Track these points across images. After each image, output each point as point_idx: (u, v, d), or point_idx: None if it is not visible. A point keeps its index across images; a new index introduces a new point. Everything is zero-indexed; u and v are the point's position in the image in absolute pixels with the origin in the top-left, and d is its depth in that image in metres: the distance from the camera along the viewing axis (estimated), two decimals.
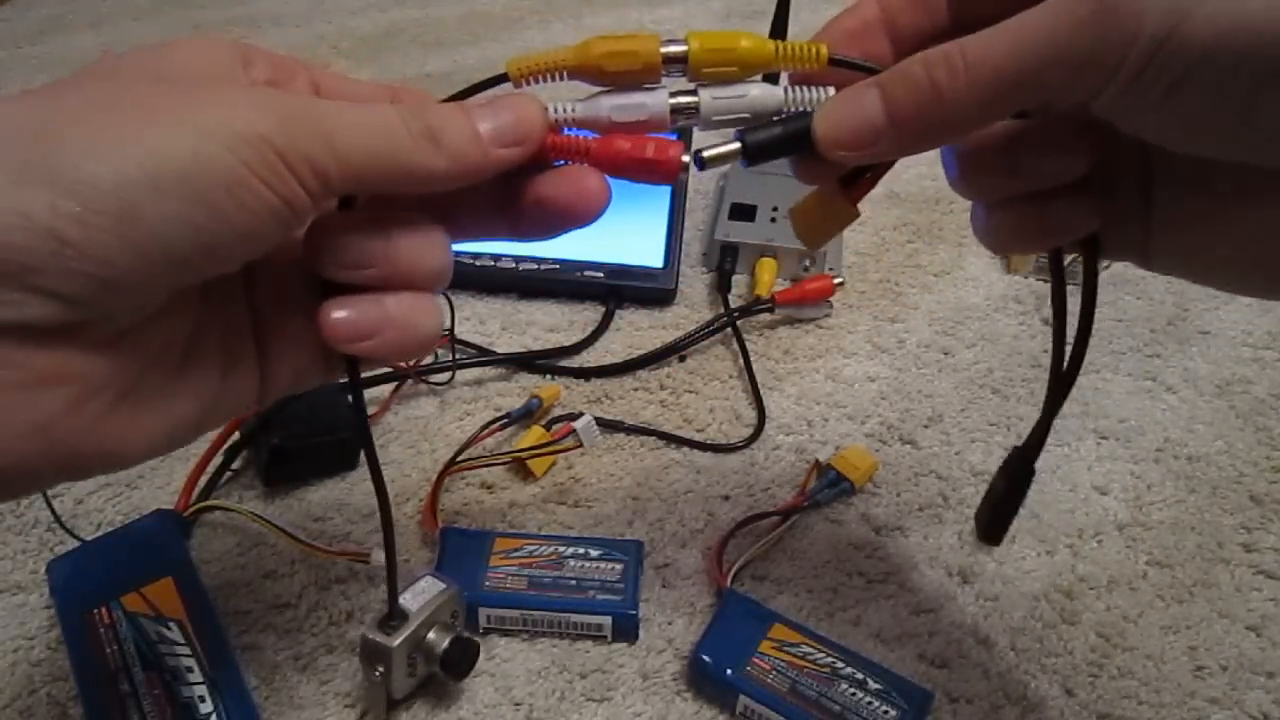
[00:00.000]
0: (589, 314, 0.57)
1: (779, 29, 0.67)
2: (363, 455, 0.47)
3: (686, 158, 0.26)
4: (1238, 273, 0.27)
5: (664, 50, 0.26)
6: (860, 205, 0.31)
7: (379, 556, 0.41)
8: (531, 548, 0.41)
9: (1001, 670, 0.39)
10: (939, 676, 0.39)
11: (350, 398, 0.28)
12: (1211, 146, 0.23)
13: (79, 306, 0.21)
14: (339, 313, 0.25)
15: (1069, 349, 0.31)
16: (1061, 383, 0.31)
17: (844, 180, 0.30)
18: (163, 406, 0.25)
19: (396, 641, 0.34)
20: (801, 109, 0.27)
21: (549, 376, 0.53)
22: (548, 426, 0.48)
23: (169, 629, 0.37)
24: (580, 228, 0.27)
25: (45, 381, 0.21)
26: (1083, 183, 0.27)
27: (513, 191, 0.27)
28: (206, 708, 0.35)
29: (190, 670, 0.36)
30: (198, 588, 0.39)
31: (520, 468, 0.47)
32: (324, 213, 0.25)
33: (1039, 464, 0.48)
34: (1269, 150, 0.22)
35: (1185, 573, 0.44)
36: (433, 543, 0.43)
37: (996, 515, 0.34)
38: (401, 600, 0.35)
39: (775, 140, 0.26)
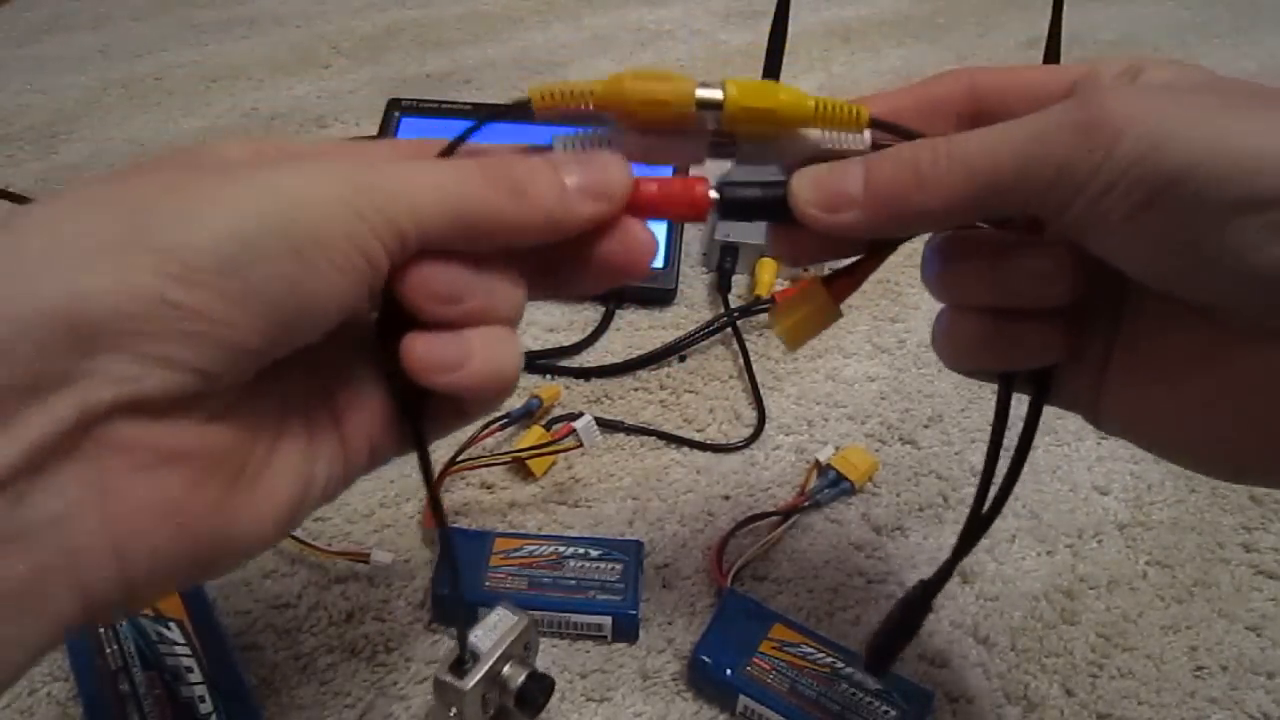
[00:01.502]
0: (589, 314, 0.57)
1: (778, 29, 0.67)
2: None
3: (714, 194, 0.25)
4: (1182, 443, 0.27)
5: (699, 95, 0.24)
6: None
7: (379, 556, 0.41)
8: (531, 548, 0.41)
9: (1001, 670, 0.39)
10: (939, 676, 0.39)
11: (418, 458, 0.27)
12: (1169, 277, 0.23)
13: (193, 374, 0.21)
14: (423, 343, 0.24)
15: (993, 489, 0.29)
16: (978, 525, 0.30)
17: (827, 279, 0.29)
18: (270, 484, 0.24)
19: (470, 684, 0.33)
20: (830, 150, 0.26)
21: (549, 376, 0.53)
22: (548, 426, 0.48)
23: (169, 629, 0.37)
24: (633, 282, 0.26)
25: (167, 460, 0.21)
26: (1057, 314, 0.26)
27: (559, 253, 0.25)
28: (206, 708, 0.35)
29: (190, 670, 0.36)
30: (198, 588, 0.39)
31: (520, 468, 0.47)
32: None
33: (1039, 464, 0.48)
34: (1229, 286, 0.22)
35: (1185, 573, 0.44)
36: (433, 542, 0.43)
37: (887, 646, 0.33)
38: (473, 637, 0.34)
39: (752, 200, 0.26)
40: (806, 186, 0.25)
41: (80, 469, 0.20)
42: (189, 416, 0.21)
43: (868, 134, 0.26)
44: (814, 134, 0.26)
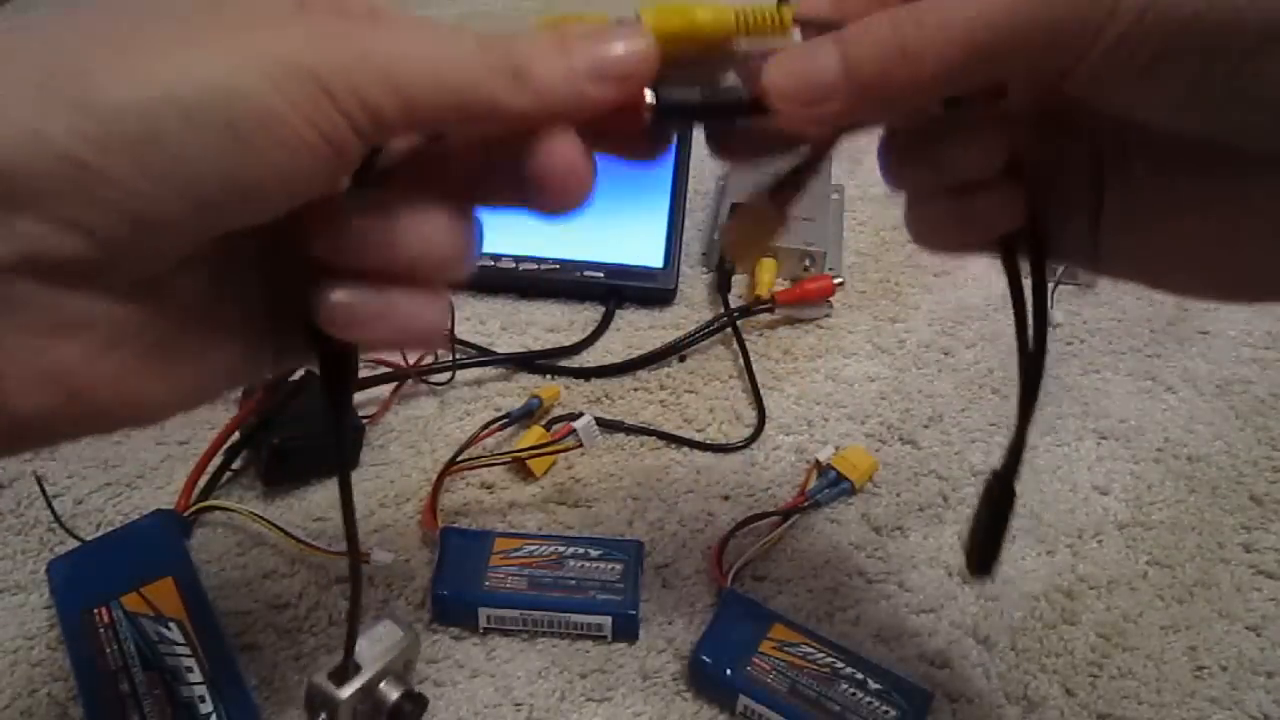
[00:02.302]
0: (589, 314, 0.57)
1: None
2: (353, 461, 0.47)
3: (650, 97, 0.23)
4: (1190, 275, 0.26)
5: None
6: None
7: (379, 556, 0.41)
8: (531, 548, 0.41)
9: (1001, 670, 0.39)
10: (939, 676, 0.39)
11: (328, 398, 0.26)
12: (1195, 121, 0.22)
13: (99, 241, 0.19)
14: (334, 296, 0.22)
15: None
16: (1028, 395, 0.30)
17: (772, 189, 0.28)
18: (185, 365, 0.23)
19: (346, 694, 0.32)
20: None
21: (549, 376, 0.53)
22: (548, 426, 0.48)
23: (169, 629, 0.37)
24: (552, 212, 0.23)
25: (66, 326, 0.20)
26: (1007, 178, 0.25)
27: (489, 156, 0.23)
28: (206, 708, 0.35)
29: (190, 670, 0.36)
30: (198, 588, 0.39)
31: (520, 468, 0.47)
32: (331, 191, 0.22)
33: (1039, 464, 0.48)
34: (1255, 123, 0.21)
35: (1185, 573, 0.44)
36: (433, 543, 0.43)
37: (985, 546, 0.32)
38: (357, 647, 0.33)
39: (691, 102, 0.24)
40: (782, 78, 0.22)
41: None
42: (95, 287, 0.20)
43: (797, 34, 0.24)
44: (742, 47, 0.24)
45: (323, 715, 0.32)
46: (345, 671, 0.32)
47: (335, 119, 0.20)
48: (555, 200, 0.22)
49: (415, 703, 0.34)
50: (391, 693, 0.34)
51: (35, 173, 0.18)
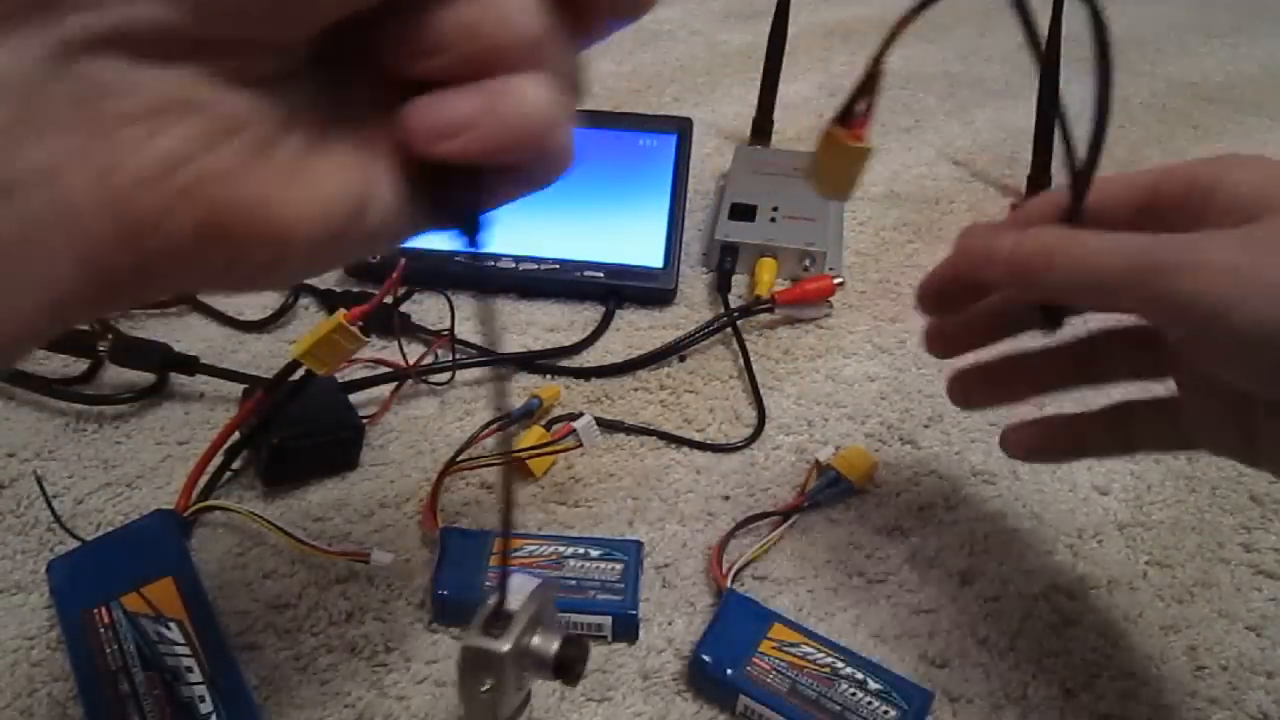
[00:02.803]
0: (589, 314, 0.57)
1: (778, 29, 0.67)
2: (364, 453, 0.47)
3: None
4: None
5: None
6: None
7: (379, 556, 0.41)
8: (531, 548, 0.41)
9: (1001, 670, 0.39)
10: (939, 676, 0.39)
11: (465, 232, 0.22)
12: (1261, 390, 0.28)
13: (190, 6, 0.17)
14: (418, 107, 0.20)
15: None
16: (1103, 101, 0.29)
17: (841, 119, 0.30)
18: (312, 175, 0.20)
19: (506, 646, 0.27)
20: None
21: (549, 376, 0.53)
22: (548, 426, 0.48)
23: (169, 629, 0.37)
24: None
25: (168, 108, 0.18)
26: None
27: None
28: (206, 708, 0.35)
29: (190, 670, 0.36)
30: (198, 588, 0.39)
31: (520, 468, 0.47)
32: None
33: (1040, 464, 0.48)
34: None
35: (1185, 573, 0.44)
36: (433, 543, 0.43)
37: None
38: (491, 602, 0.29)
39: None
40: (968, 238, 0.33)
41: (65, 114, 0.17)
42: (192, 64, 0.18)
43: None
44: None
45: (487, 681, 0.28)
46: (498, 622, 0.28)
47: None
48: None
49: (578, 648, 0.30)
50: (550, 642, 0.29)
51: None
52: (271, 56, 0.19)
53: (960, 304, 0.37)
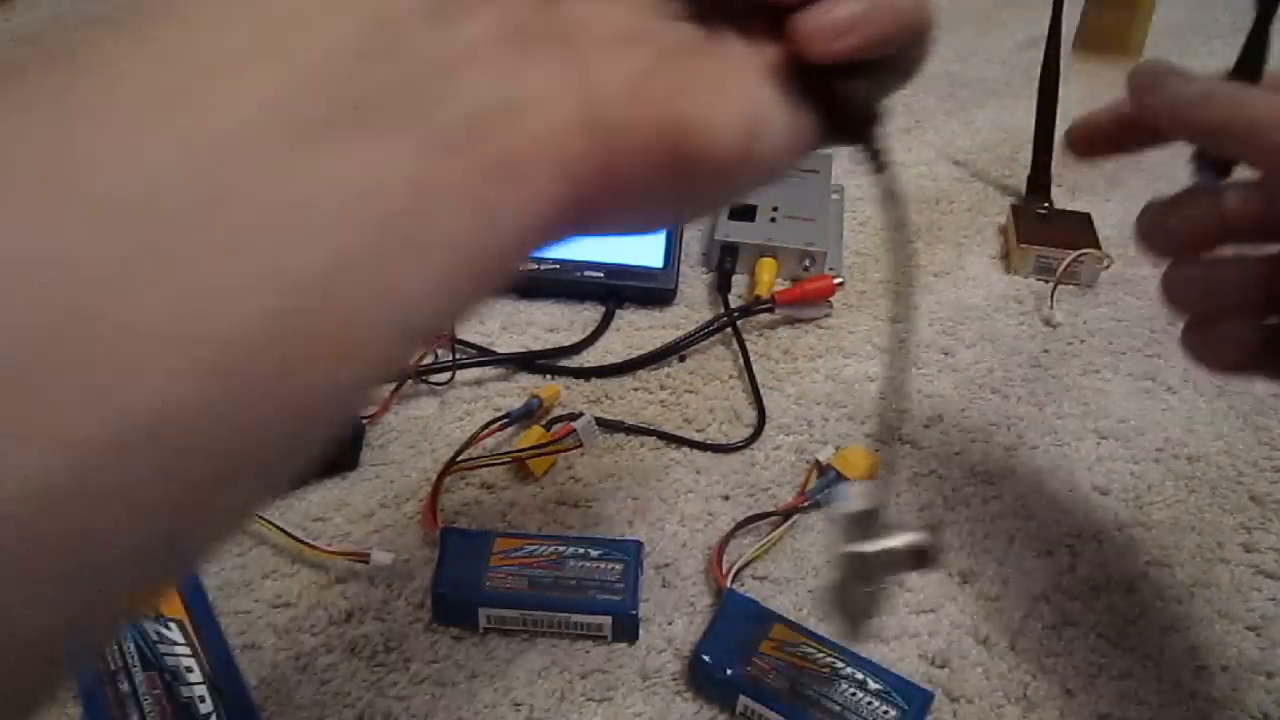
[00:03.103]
0: (589, 314, 0.57)
1: None
2: (364, 453, 0.47)
3: None
4: None
5: None
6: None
7: (379, 556, 0.41)
8: (531, 548, 0.41)
9: (1001, 670, 0.39)
10: (939, 676, 0.39)
11: (869, 151, 0.24)
12: None
13: None
14: (812, 14, 0.22)
15: None
16: None
17: None
18: (727, 91, 0.22)
19: (893, 542, 0.27)
20: None
21: (549, 376, 0.53)
22: (548, 426, 0.48)
23: (169, 629, 0.37)
24: None
25: (627, 37, 0.21)
26: None
27: None
28: (206, 708, 0.35)
29: (190, 670, 0.36)
30: (198, 588, 0.39)
31: (520, 468, 0.47)
32: None
33: (1039, 464, 0.48)
34: None
35: (1185, 573, 0.44)
36: (433, 543, 0.43)
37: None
38: (838, 504, 0.28)
39: None
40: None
41: (552, 48, 0.20)
42: (640, 4, 0.22)
43: None
44: None
45: (872, 584, 0.27)
46: (862, 526, 0.27)
47: None
48: None
49: (937, 534, 0.29)
50: (911, 534, 0.28)
51: None
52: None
53: (1108, 149, 0.36)
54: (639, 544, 0.42)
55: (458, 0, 0.18)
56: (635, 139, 0.20)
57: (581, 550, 0.41)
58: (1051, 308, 0.58)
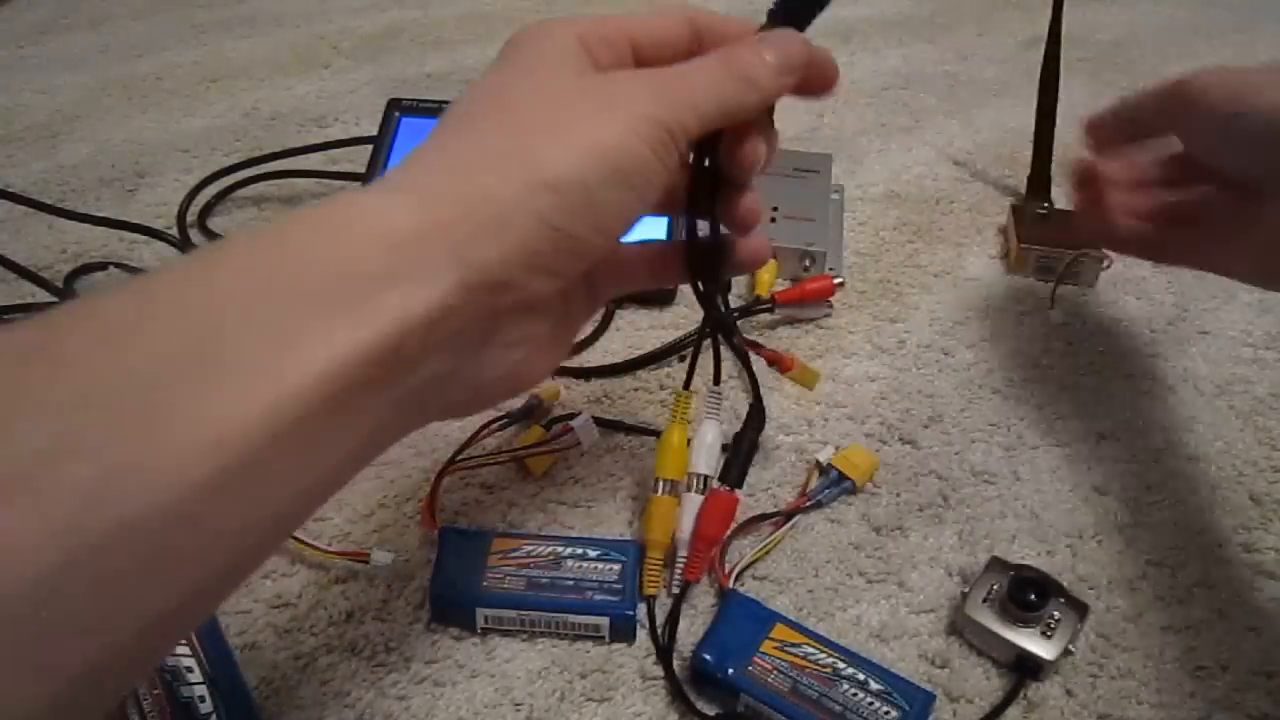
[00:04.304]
0: None
1: None
2: None
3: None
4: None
5: None
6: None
7: (379, 556, 0.41)
8: (529, 548, 0.41)
9: (1001, 671, 0.39)
10: (939, 676, 0.39)
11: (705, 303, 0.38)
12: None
13: (559, 278, 0.28)
14: (749, 198, 0.35)
15: None
16: None
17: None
18: (558, 343, 0.33)
19: None
20: None
21: (548, 376, 0.53)
22: (547, 426, 0.48)
23: None
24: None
25: (520, 342, 0.29)
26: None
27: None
28: (206, 708, 0.35)
29: (190, 670, 0.36)
30: None
31: (520, 467, 0.47)
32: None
33: (1039, 463, 0.48)
34: None
35: (1185, 573, 0.44)
36: (432, 542, 0.43)
37: None
38: None
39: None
40: None
41: (477, 344, 0.28)
42: (542, 310, 0.29)
43: None
44: None
45: None
46: None
47: (673, 151, 0.28)
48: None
49: None
50: None
51: (532, 241, 0.26)
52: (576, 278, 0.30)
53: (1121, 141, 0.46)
54: (638, 544, 0.42)
55: None
56: (500, 400, 0.33)
57: (579, 551, 0.41)
58: (1052, 308, 0.58)
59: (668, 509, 0.42)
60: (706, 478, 0.42)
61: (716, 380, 0.43)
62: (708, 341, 0.41)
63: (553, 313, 0.31)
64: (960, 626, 0.40)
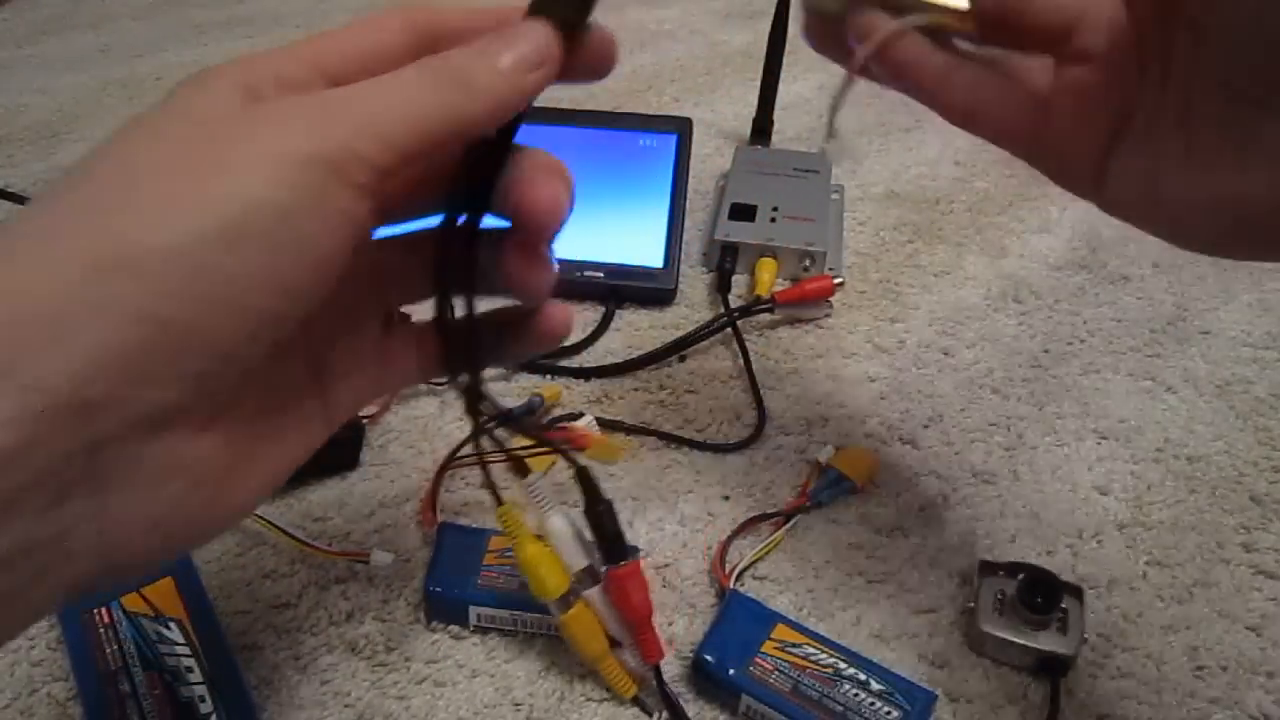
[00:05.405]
0: (589, 314, 0.57)
1: (779, 29, 0.67)
2: (364, 452, 0.47)
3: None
4: (1194, 223, 0.29)
5: None
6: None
7: (379, 556, 0.41)
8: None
9: (1001, 671, 0.39)
10: (939, 676, 0.39)
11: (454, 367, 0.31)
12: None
13: (193, 378, 0.21)
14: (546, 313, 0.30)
15: None
16: None
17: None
18: (256, 467, 0.25)
19: None
20: None
21: (549, 376, 0.53)
22: (548, 426, 0.48)
23: (169, 629, 0.37)
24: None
25: (166, 474, 0.21)
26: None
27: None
28: (206, 708, 0.35)
29: (190, 670, 0.36)
30: (198, 588, 0.39)
31: (520, 467, 0.46)
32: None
33: (1039, 464, 0.48)
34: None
35: (1185, 573, 0.44)
36: (432, 542, 0.43)
37: None
38: None
39: None
40: None
41: (86, 488, 0.20)
42: (185, 429, 0.22)
43: None
44: None
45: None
46: None
47: (348, 193, 0.21)
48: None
49: None
50: None
51: (127, 344, 0.19)
52: (237, 378, 0.22)
53: None
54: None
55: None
56: (146, 558, 0.23)
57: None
58: (1052, 305, 0.58)
59: (586, 621, 0.36)
60: (590, 565, 0.37)
61: (522, 473, 0.37)
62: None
63: (226, 420, 0.23)
64: (978, 644, 0.40)
